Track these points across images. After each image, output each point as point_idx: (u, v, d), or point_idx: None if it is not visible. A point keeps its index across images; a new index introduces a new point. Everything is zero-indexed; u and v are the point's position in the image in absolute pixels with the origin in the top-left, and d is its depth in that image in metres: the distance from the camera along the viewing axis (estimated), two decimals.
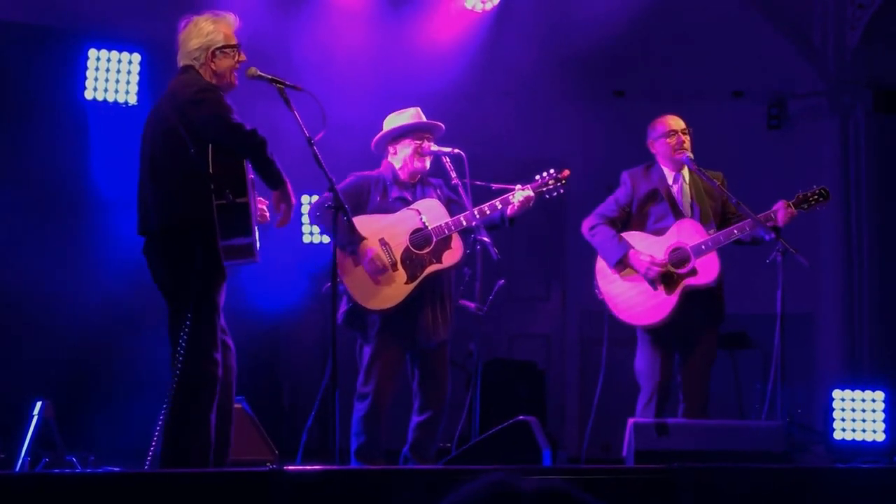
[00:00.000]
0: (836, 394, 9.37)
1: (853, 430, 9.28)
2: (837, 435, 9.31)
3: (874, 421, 9.24)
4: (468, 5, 9.59)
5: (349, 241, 6.69)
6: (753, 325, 9.69)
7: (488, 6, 9.61)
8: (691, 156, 7.18)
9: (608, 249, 7.12)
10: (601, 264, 7.19)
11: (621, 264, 7.10)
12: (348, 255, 6.77)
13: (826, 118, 10.72)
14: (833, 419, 9.34)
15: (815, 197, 7.14)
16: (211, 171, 5.41)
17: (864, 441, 9.24)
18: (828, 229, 10.38)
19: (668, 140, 7.19)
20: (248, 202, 5.44)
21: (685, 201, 7.22)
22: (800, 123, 10.88)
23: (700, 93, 10.55)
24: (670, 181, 7.24)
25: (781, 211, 7.04)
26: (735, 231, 7.07)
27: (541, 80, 10.48)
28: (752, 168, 10.26)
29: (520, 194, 6.86)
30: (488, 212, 6.86)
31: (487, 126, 10.03)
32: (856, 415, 9.29)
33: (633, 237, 7.15)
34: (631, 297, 7.10)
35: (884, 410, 9.22)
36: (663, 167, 7.26)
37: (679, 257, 7.07)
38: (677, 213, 7.17)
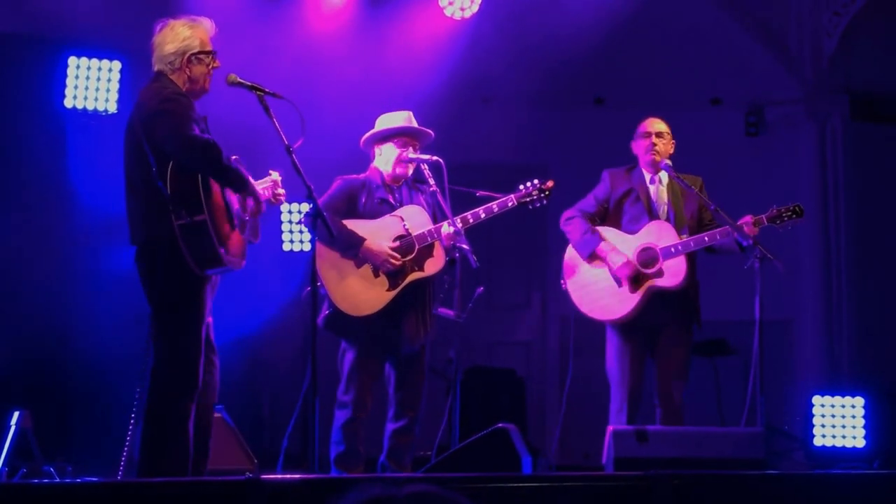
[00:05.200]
0: (816, 400, 9.40)
1: (833, 437, 9.31)
2: (817, 441, 9.34)
3: (854, 427, 9.27)
4: (448, 13, 9.59)
5: (350, 244, 6.69)
6: (733, 332, 9.70)
7: (468, 14, 9.61)
8: (669, 162, 7.25)
9: (581, 241, 7.19)
10: (570, 255, 7.26)
11: (593, 256, 7.16)
12: (349, 258, 6.77)
13: (803, 125, 10.75)
14: (813, 425, 9.37)
15: (789, 213, 7.20)
16: (169, 192, 5.42)
17: (843, 447, 9.26)
18: (806, 236, 10.41)
19: (642, 141, 7.29)
20: (206, 220, 5.42)
21: (661, 204, 7.28)
22: (777, 131, 10.91)
23: (679, 100, 10.56)
24: (648, 182, 7.30)
25: (747, 228, 7.09)
26: (706, 238, 7.15)
27: (520, 86, 10.48)
28: (729, 175, 10.27)
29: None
30: (471, 220, 6.88)
31: (467, 133, 10.03)
32: (835, 421, 9.31)
33: (607, 232, 7.24)
34: (595, 291, 7.17)
35: (863, 416, 9.25)
36: (643, 169, 7.33)
37: (648, 257, 7.14)
38: (652, 215, 7.24)
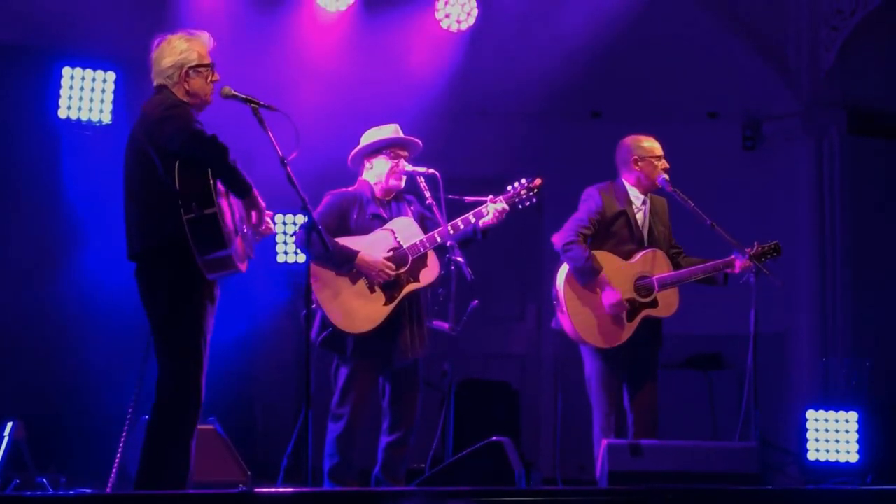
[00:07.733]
0: (810, 414, 9.39)
1: (827, 451, 9.30)
2: (811, 456, 9.33)
3: (848, 442, 9.25)
4: (444, 25, 9.61)
5: (345, 259, 6.68)
6: (727, 346, 9.70)
7: (464, 27, 9.64)
8: (666, 177, 7.23)
9: (582, 270, 7.10)
10: (566, 281, 7.15)
11: (590, 284, 7.12)
12: (344, 274, 6.75)
13: (801, 139, 10.75)
14: (807, 440, 9.36)
15: (771, 252, 7.24)
16: (177, 187, 5.39)
17: (837, 462, 9.25)
18: (802, 250, 10.40)
19: (658, 163, 7.24)
20: (216, 213, 5.38)
21: (645, 228, 7.27)
22: (774, 145, 10.91)
23: (675, 114, 10.56)
24: (637, 204, 7.28)
25: (739, 260, 7.15)
26: (699, 271, 7.17)
27: (517, 100, 10.49)
28: (726, 189, 10.29)
29: (493, 206, 6.87)
30: (462, 226, 6.87)
31: (463, 146, 10.03)
32: (829, 435, 9.30)
33: (605, 259, 7.15)
34: (592, 318, 7.11)
35: (857, 431, 9.23)
36: (633, 188, 7.28)
37: (644, 286, 7.13)
38: (639, 240, 7.24)
